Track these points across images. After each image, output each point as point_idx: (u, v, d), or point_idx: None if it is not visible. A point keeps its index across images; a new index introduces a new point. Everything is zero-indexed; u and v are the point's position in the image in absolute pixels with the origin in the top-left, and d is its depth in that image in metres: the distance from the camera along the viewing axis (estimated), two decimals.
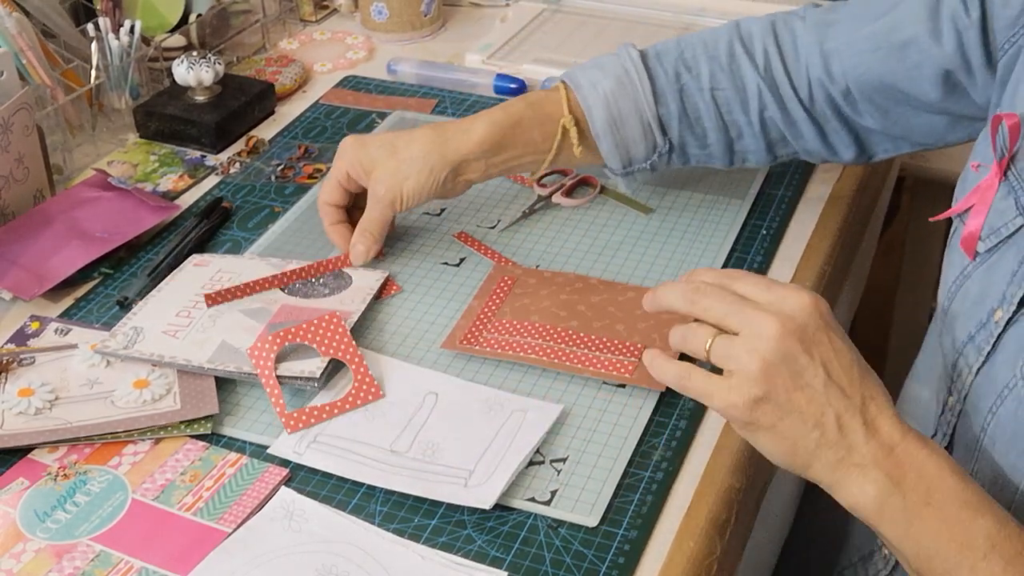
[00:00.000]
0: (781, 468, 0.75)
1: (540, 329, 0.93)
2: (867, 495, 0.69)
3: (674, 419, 0.86)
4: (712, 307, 0.73)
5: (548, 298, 0.97)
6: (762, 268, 1.02)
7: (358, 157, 1.00)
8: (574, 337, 0.92)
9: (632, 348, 0.90)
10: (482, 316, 0.95)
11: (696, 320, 0.75)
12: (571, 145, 1.00)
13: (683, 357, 0.79)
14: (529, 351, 0.91)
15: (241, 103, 1.25)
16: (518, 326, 0.93)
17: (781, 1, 1.43)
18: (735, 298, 0.73)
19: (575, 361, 0.90)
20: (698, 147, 1.03)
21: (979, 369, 0.80)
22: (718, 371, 0.74)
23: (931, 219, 0.98)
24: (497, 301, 0.97)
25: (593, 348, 0.91)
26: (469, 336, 0.93)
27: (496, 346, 0.92)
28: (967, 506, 0.68)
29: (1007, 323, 0.78)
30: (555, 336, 0.92)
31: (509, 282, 0.99)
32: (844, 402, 0.70)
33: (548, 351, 0.91)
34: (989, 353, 0.79)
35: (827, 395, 0.70)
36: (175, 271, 1.01)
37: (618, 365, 0.89)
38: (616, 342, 0.91)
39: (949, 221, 0.88)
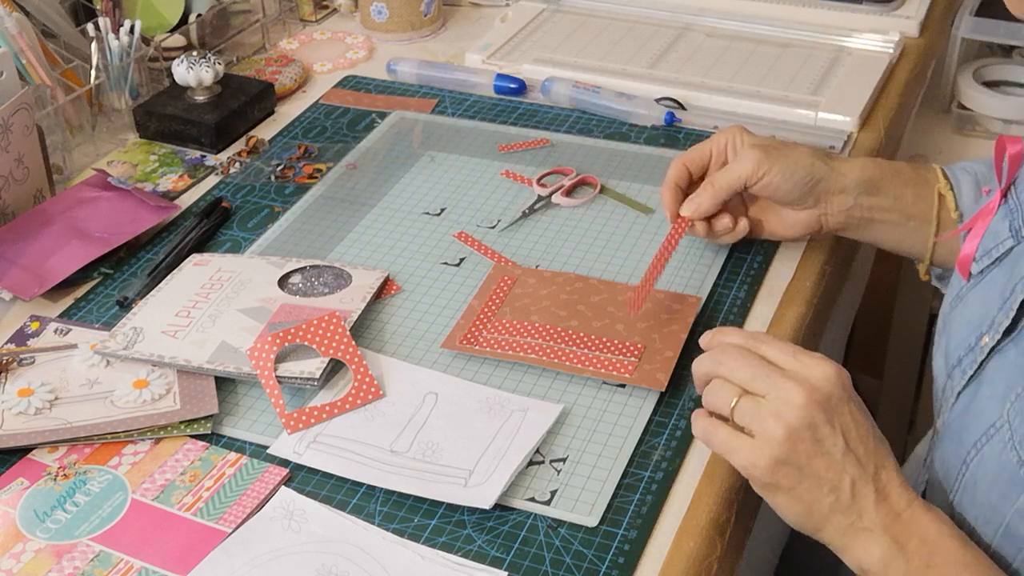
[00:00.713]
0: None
1: (540, 329, 0.93)
2: (873, 557, 0.72)
3: (674, 419, 0.86)
4: (738, 369, 0.75)
5: (548, 298, 0.96)
6: (762, 267, 1.02)
7: (740, 135, 0.99)
8: (574, 337, 0.92)
9: (632, 348, 0.90)
10: (482, 316, 0.95)
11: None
12: (947, 213, 0.98)
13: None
14: (529, 351, 0.91)
15: (241, 103, 1.25)
16: (518, 326, 0.93)
17: (782, 1, 1.43)
18: (762, 362, 0.75)
19: (575, 361, 0.90)
20: None
21: (960, 392, 0.81)
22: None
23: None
24: (497, 301, 0.97)
25: (593, 348, 0.91)
26: (469, 336, 0.93)
27: (496, 346, 0.92)
28: (967, 568, 0.71)
29: (991, 350, 0.79)
30: (555, 336, 0.92)
31: (509, 282, 0.99)
32: (859, 470, 0.73)
33: (548, 351, 0.91)
34: (972, 377, 0.80)
35: (844, 463, 0.72)
36: (175, 271, 1.01)
37: (618, 365, 0.89)
38: (616, 342, 0.91)
39: None
